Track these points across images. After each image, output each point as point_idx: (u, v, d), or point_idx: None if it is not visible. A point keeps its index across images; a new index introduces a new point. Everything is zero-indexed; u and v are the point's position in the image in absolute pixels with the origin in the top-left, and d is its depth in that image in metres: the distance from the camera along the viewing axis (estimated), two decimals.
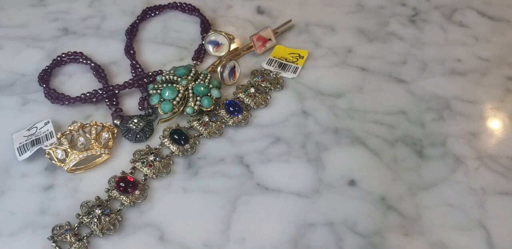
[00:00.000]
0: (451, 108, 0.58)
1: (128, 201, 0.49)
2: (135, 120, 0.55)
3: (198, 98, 0.55)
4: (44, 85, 0.57)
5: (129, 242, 0.48)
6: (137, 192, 0.50)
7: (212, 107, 0.55)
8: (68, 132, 0.51)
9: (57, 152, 0.50)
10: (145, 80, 0.58)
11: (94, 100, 0.56)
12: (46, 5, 0.68)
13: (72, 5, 0.68)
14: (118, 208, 0.49)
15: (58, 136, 0.51)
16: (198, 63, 0.61)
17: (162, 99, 0.55)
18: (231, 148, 0.54)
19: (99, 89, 0.56)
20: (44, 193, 0.50)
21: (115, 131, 0.54)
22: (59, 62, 0.60)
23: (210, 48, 0.61)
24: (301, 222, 0.49)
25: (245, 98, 0.57)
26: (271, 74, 0.60)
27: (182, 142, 0.53)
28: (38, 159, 0.52)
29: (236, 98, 0.57)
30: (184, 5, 0.66)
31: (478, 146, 0.55)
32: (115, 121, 0.55)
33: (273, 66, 0.61)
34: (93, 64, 0.59)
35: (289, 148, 0.54)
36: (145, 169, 0.51)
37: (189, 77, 0.55)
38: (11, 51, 0.62)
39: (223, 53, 0.61)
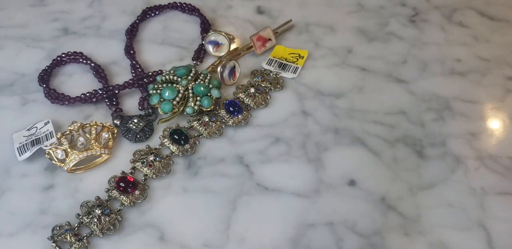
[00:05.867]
0: (451, 108, 0.58)
1: (128, 201, 0.49)
2: (135, 120, 0.55)
3: (198, 98, 0.55)
4: (44, 85, 0.57)
5: (129, 242, 0.48)
6: (137, 192, 0.50)
7: (212, 107, 0.55)
8: (68, 132, 0.51)
9: (57, 152, 0.50)
10: (145, 80, 0.58)
11: (94, 100, 0.56)
12: (46, 5, 0.68)
13: (72, 5, 0.68)
14: (118, 208, 0.49)
15: (58, 136, 0.51)
16: (198, 63, 0.61)
17: (162, 99, 0.55)
18: (231, 148, 0.54)
19: (99, 89, 0.56)
20: (44, 193, 0.50)
21: (115, 131, 0.54)
22: (59, 62, 0.60)
23: (210, 48, 0.62)
24: (301, 222, 0.49)
25: (245, 98, 0.57)
26: (271, 74, 0.60)
27: (182, 142, 0.53)
28: (38, 159, 0.52)
29: (236, 98, 0.57)
30: (184, 5, 0.66)
31: (478, 146, 0.55)
32: (115, 121, 0.55)
33: (273, 66, 0.61)
34: (93, 64, 0.59)
35: (289, 148, 0.54)
36: (145, 169, 0.51)
37: (189, 77, 0.55)
38: (11, 51, 0.62)
39: (223, 53, 0.61)
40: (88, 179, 0.52)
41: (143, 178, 0.51)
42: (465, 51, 0.63)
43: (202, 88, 0.55)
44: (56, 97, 0.56)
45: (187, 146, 0.53)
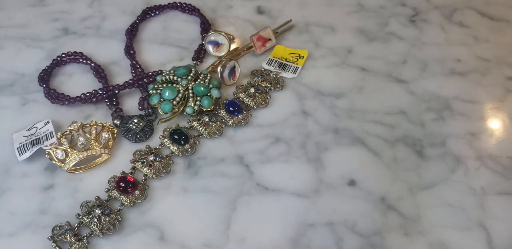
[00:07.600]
0: (451, 108, 0.58)
1: (128, 201, 0.49)
2: (135, 120, 0.55)
3: (198, 98, 0.55)
4: (44, 85, 0.57)
5: (129, 242, 0.48)
6: (137, 192, 0.50)
7: (212, 107, 0.55)
8: (68, 132, 0.51)
9: (57, 152, 0.50)
10: (145, 80, 0.58)
11: (94, 100, 0.56)
12: (46, 5, 0.68)
13: (72, 5, 0.68)
14: (118, 208, 0.49)
15: (58, 136, 0.51)
16: (198, 63, 0.61)
17: (162, 99, 0.55)
18: (231, 148, 0.54)
19: (99, 89, 0.56)
20: (44, 193, 0.50)
21: (115, 131, 0.54)
22: (59, 62, 0.60)
23: (210, 48, 0.62)
24: (301, 222, 0.49)
25: (245, 98, 0.57)
26: (271, 74, 0.60)
27: (182, 142, 0.53)
28: (38, 159, 0.52)
29: (236, 98, 0.57)
30: (184, 5, 0.66)
31: (478, 146, 0.55)
32: (115, 121, 0.55)
33: (273, 66, 0.61)
34: (93, 64, 0.59)
35: (289, 148, 0.54)
36: (145, 169, 0.51)
37: (189, 77, 0.55)
38: (11, 51, 0.62)
39: (223, 53, 0.61)
40: (88, 179, 0.52)
41: (143, 178, 0.51)
42: (465, 51, 0.63)
43: (202, 88, 0.55)
44: (56, 97, 0.56)
45: (187, 146, 0.53)
